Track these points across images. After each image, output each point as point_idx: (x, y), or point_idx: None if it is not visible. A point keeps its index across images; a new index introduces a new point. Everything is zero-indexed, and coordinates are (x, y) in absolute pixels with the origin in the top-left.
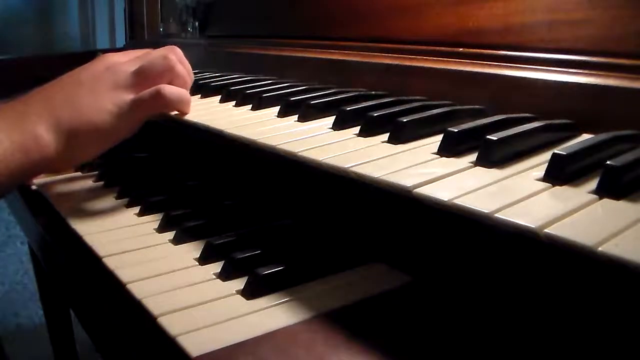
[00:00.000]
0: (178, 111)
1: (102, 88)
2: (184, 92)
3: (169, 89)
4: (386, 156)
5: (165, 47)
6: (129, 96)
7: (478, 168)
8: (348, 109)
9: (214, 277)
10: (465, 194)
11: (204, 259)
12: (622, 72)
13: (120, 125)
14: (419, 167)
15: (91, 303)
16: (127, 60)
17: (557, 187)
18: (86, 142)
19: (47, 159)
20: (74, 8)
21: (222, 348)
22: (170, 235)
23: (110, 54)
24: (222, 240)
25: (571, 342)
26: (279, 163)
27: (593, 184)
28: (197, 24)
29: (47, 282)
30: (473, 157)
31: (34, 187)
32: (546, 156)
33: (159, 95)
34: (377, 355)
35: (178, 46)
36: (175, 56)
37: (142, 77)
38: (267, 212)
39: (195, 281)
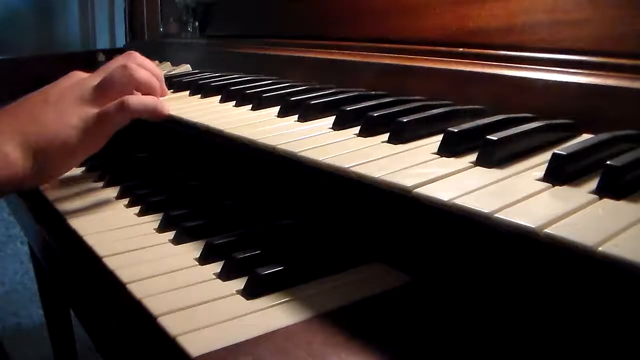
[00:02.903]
0: (151, 118)
1: (67, 104)
2: (150, 99)
3: (133, 100)
4: (386, 156)
5: (124, 54)
6: (93, 110)
7: (478, 168)
8: (348, 109)
9: (214, 277)
10: (465, 194)
11: (204, 259)
12: (622, 72)
13: (87, 140)
14: (419, 167)
15: (91, 303)
16: (91, 75)
17: (557, 187)
18: (54, 158)
19: (17, 177)
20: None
21: (222, 348)
22: (170, 235)
23: (78, 71)
24: (222, 240)
25: (571, 342)
26: (279, 163)
27: (593, 184)
28: (197, 24)
29: (47, 282)
30: (473, 157)
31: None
32: (546, 156)
33: (123, 107)
34: (376, 355)
35: (178, 46)
36: (135, 62)
37: (104, 90)
38: (267, 212)
39: (195, 281)
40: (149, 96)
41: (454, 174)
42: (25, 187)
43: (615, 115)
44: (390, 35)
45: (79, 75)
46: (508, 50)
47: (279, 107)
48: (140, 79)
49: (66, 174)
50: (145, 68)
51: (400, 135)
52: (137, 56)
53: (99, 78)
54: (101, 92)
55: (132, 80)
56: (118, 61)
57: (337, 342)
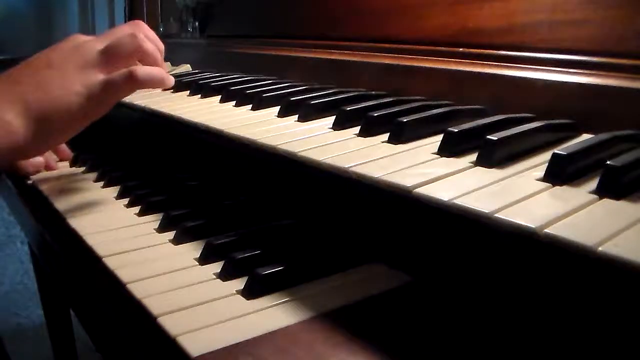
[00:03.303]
0: (155, 88)
1: (71, 69)
2: (157, 71)
3: (142, 71)
4: (386, 156)
5: (130, 22)
6: (98, 77)
7: (478, 168)
8: (348, 109)
9: (214, 277)
10: (465, 194)
11: (204, 259)
12: (622, 72)
13: (90, 107)
14: (419, 167)
15: (91, 303)
16: (95, 39)
17: (557, 187)
18: (57, 126)
19: (17, 145)
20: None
21: (222, 348)
22: (170, 235)
23: (79, 34)
24: (222, 240)
25: (571, 342)
26: (279, 163)
27: (593, 184)
28: (197, 24)
29: (47, 282)
30: (473, 157)
31: (29, 181)
32: (546, 156)
33: (132, 78)
34: (377, 355)
35: (178, 46)
36: (142, 32)
37: (110, 56)
38: (267, 212)
39: (195, 281)
40: (155, 67)
41: (454, 174)
42: (27, 155)
43: (615, 115)
44: (391, 35)
45: (80, 37)
46: (508, 50)
47: (279, 107)
48: (148, 50)
49: (66, 174)
50: (150, 40)
51: (400, 135)
52: (144, 26)
53: (104, 43)
54: (106, 58)
55: (139, 50)
56: (125, 29)
57: (337, 342)
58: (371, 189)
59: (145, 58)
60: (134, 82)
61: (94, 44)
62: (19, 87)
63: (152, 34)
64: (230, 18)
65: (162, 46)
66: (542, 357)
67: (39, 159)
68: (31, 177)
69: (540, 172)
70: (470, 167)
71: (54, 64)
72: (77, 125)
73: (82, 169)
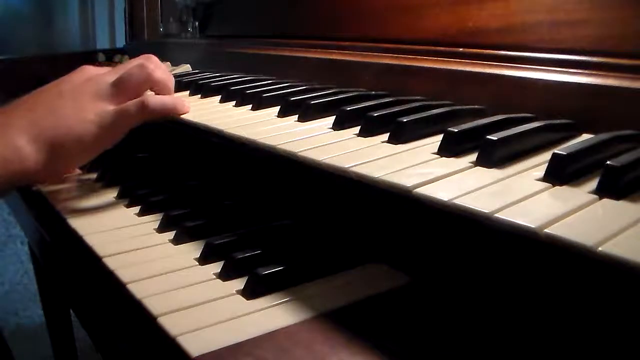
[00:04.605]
0: (168, 115)
1: (84, 99)
2: (169, 99)
3: (154, 100)
4: (386, 156)
5: (141, 56)
6: (110, 106)
7: (478, 168)
8: (348, 109)
9: (214, 277)
10: (465, 194)
11: (204, 259)
12: (622, 72)
13: (102, 136)
14: (419, 167)
15: (91, 303)
16: (106, 72)
17: (557, 187)
18: (69, 153)
19: (29, 171)
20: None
21: (222, 348)
22: (170, 235)
23: (89, 66)
24: (222, 240)
25: (571, 342)
26: (279, 163)
27: (593, 184)
28: (197, 24)
29: (47, 282)
30: (473, 157)
31: (34, 187)
32: (546, 156)
33: (144, 107)
34: (377, 355)
35: (178, 46)
36: (152, 64)
37: (121, 87)
38: (267, 212)
39: (195, 281)
40: (167, 95)
41: (454, 174)
42: (37, 181)
43: (615, 115)
44: (391, 35)
45: (91, 70)
46: (508, 50)
47: (279, 107)
48: (157, 78)
49: (66, 174)
50: (162, 71)
51: (400, 135)
52: (154, 59)
53: (115, 75)
54: (118, 89)
55: (149, 79)
56: (136, 61)
57: (337, 342)
58: (371, 189)
59: (155, 86)
60: (145, 111)
61: (105, 76)
62: (32, 113)
63: (162, 66)
64: (230, 18)
65: (172, 79)
66: (542, 357)
67: None
68: None
69: (540, 172)
70: (470, 167)
71: (67, 94)
72: (88, 154)
73: (82, 169)
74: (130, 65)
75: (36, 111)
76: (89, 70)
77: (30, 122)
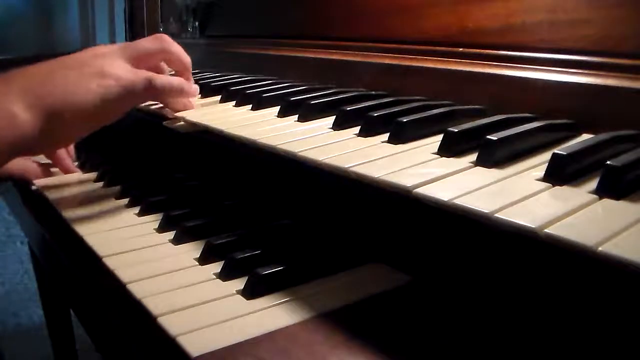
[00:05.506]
0: (175, 97)
1: (90, 70)
2: (177, 80)
3: (160, 79)
4: (386, 156)
5: (154, 35)
6: (116, 78)
7: (478, 168)
8: (348, 109)
9: (214, 277)
10: (465, 194)
11: (204, 259)
12: (622, 72)
13: (105, 109)
14: (419, 167)
15: (91, 303)
16: (116, 48)
17: (557, 187)
18: (68, 122)
19: (23, 139)
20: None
21: (222, 348)
22: (170, 235)
23: (98, 46)
24: (222, 240)
25: (571, 342)
26: (278, 163)
27: (593, 184)
28: (197, 24)
29: (47, 282)
30: (473, 157)
31: (34, 187)
32: (546, 156)
33: (150, 85)
34: (377, 355)
35: None
36: (167, 38)
37: (135, 54)
38: (267, 212)
39: (195, 281)
40: (175, 77)
41: (454, 174)
42: (34, 151)
43: (615, 115)
44: (391, 35)
45: (100, 47)
46: (508, 50)
47: (279, 107)
48: (173, 49)
49: (66, 174)
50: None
51: (400, 135)
52: (168, 37)
53: (126, 49)
54: (131, 56)
55: (164, 49)
56: (149, 37)
57: (337, 342)
58: (371, 189)
59: (171, 58)
60: (152, 88)
61: (115, 49)
62: (31, 80)
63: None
64: (230, 18)
65: (188, 58)
66: (542, 357)
67: (33, 166)
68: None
69: (540, 172)
70: (470, 167)
71: (70, 64)
72: (87, 126)
73: (82, 169)
74: (143, 39)
75: (37, 77)
76: (98, 48)
77: (27, 88)
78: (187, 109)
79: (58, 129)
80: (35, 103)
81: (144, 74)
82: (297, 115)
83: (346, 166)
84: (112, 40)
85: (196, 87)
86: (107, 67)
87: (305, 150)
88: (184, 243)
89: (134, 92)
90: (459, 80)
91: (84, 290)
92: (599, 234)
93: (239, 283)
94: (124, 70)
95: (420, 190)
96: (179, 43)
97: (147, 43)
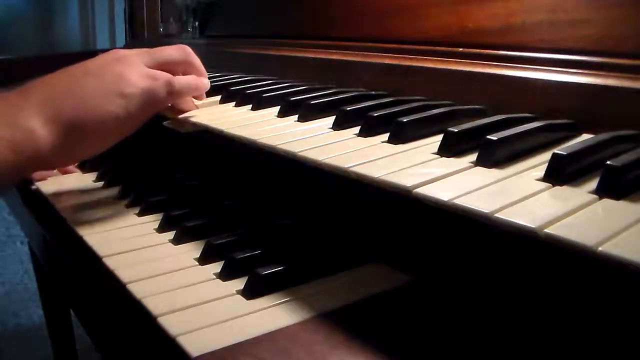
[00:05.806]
0: (192, 95)
1: (111, 78)
2: (191, 79)
3: (179, 80)
4: (386, 156)
5: (176, 45)
6: (138, 84)
7: (478, 168)
8: (348, 109)
9: (214, 277)
10: (465, 194)
11: (203, 259)
12: (622, 72)
13: (128, 118)
14: (419, 167)
15: (91, 303)
16: (139, 51)
17: (557, 187)
18: (89, 137)
19: (42, 154)
20: (74, 8)
21: (222, 348)
22: (170, 235)
23: (120, 49)
24: (222, 240)
25: (571, 342)
26: (278, 163)
27: (593, 184)
28: (197, 24)
29: (47, 282)
30: (473, 157)
31: (33, 187)
32: (546, 156)
33: (172, 88)
34: (377, 355)
35: None
36: (189, 50)
37: (160, 60)
38: (267, 212)
39: (195, 281)
40: (190, 75)
41: (454, 174)
42: (54, 165)
43: (615, 115)
44: (391, 35)
45: (122, 50)
46: (508, 50)
47: (279, 107)
48: (195, 61)
49: (66, 174)
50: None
51: (400, 135)
52: (189, 48)
53: (146, 55)
54: (155, 61)
55: (187, 59)
56: (173, 46)
57: (337, 342)
58: (371, 189)
59: (190, 70)
60: (173, 91)
61: (138, 55)
62: (49, 92)
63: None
64: (230, 18)
65: (205, 71)
66: (542, 357)
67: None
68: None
69: (540, 172)
70: (470, 167)
71: (92, 71)
72: (110, 138)
73: (82, 169)
74: (167, 47)
75: (57, 89)
76: (120, 51)
77: (46, 101)
78: (193, 109)
79: (79, 142)
80: (53, 117)
81: (164, 77)
82: (297, 115)
83: (346, 166)
84: (112, 41)
85: (207, 81)
86: (127, 74)
87: (305, 150)
88: (184, 243)
89: (157, 97)
90: (459, 80)
91: (84, 290)
92: (599, 234)
93: (239, 283)
94: (144, 76)
95: (420, 190)
96: (178, 43)
97: (172, 51)
